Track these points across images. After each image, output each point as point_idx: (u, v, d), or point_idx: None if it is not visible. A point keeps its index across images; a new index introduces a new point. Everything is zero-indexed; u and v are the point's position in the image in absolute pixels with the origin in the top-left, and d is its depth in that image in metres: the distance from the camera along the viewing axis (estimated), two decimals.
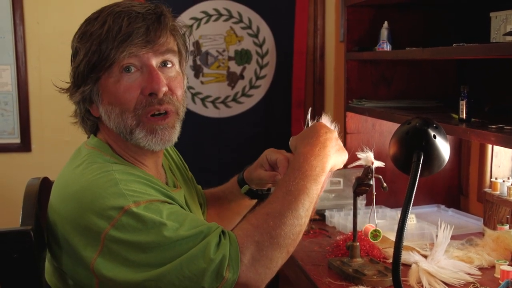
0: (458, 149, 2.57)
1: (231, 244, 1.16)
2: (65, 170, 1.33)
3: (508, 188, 2.07)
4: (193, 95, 3.53)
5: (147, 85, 1.26)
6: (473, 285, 1.66)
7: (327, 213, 2.34)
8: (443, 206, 2.49)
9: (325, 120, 1.44)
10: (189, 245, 1.15)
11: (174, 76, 1.31)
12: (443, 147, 1.26)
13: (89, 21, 1.30)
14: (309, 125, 1.43)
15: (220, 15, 3.49)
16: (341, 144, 1.36)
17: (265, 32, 3.54)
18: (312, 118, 1.47)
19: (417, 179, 1.21)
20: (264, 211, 1.22)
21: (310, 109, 1.49)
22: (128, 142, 1.31)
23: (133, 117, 1.27)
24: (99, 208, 1.16)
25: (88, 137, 1.39)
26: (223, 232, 1.19)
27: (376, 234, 1.69)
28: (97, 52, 1.24)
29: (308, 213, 1.24)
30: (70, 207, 1.21)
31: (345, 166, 1.54)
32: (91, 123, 1.36)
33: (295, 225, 1.21)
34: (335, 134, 1.35)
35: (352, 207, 1.78)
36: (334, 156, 1.32)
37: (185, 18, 3.44)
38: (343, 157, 1.35)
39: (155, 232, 1.14)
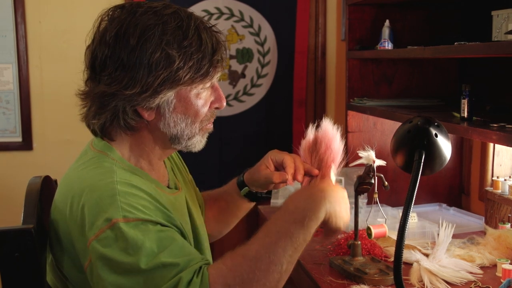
0: (459, 148, 2.56)
1: (202, 284, 1.13)
2: (71, 171, 1.33)
3: (510, 186, 2.07)
4: None
5: (216, 101, 1.34)
6: (474, 284, 1.66)
7: None
8: (444, 205, 2.49)
9: (327, 122, 1.43)
10: (162, 274, 1.12)
11: None
12: (445, 145, 1.26)
13: (181, 29, 1.25)
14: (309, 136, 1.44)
15: (222, 13, 3.49)
16: (348, 204, 1.30)
17: (267, 30, 3.54)
18: (313, 121, 1.47)
19: (419, 178, 1.21)
20: (240, 252, 1.18)
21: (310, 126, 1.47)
22: (165, 146, 1.34)
23: (198, 127, 1.33)
24: (92, 216, 1.17)
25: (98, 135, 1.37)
26: (200, 268, 1.16)
27: (369, 232, 1.72)
28: (194, 66, 1.25)
29: (291, 260, 1.17)
30: (73, 209, 1.21)
31: (346, 165, 1.54)
32: (129, 123, 1.29)
33: (272, 271, 1.14)
34: (344, 193, 1.30)
35: (353, 205, 1.78)
36: (333, 204, 1.24)
37: None
38: (344, 211, 1.27)
39: (133, 256, 1.13)
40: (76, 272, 1.25)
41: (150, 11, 1.25)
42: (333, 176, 1.39)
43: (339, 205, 1.26)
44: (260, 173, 1.50)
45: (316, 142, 1.43)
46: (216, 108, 1.36)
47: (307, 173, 1.42)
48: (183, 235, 1.27)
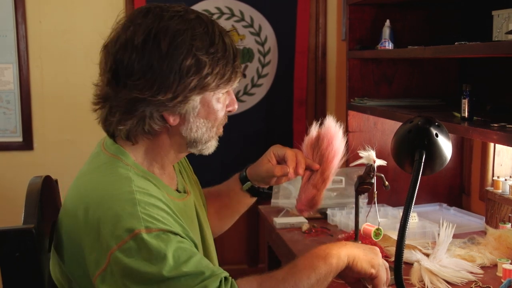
0: (460, 148, 2.56)
1: None
2: (83, 174, 1.31)
3: (510, 186, 2.07)
4: None
5: (229, 104, 1.36)
6: (475, 284, 1.66)
7: (329, 211, 2.34)
8: (445, 205, 2.49)
9: (330, 120, 1.45)
10: (187, 283, 1.14)
11: None
12: (445, 145, 1.26)
13: (207, 35, 1.25)
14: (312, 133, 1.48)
15: (222, 13, 3.49)
16: (380, 258, 1.36)
17: (267, 30, 3.54)
18: (316, 120, 1.49)
19: (419, 178, 1.21)
20: (269, 274, 1.25)
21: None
22: (181, 150, 1.35)
23: (215, 131, 1.35)
24: (112, 226, 1.16)
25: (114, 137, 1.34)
26: (225, 278, 1.19)
27: (378, 232, 1.69)
28: (220, 72, 1.26)
29: None
30: (88, 216, 1.20)
31: (347, 165, 1.54)
32: (152, 128, 1.27)
33: None
34: (370, 247, 1.37)
35: (354, 205, 1.77)
36: (353, 248, 1.32)
37: None
38: (369, 256, 1.33)
39: (157, 265, 1.13)
40: (83, 276, 1.24)
41: (176, 15, 1.24)
42: (333, 172, 1.44)
43: (361, 250, 1.33)
44: (262, 167, 1.52)
45: (318, 138, 1.48)
46: (229, 111, 1.37)
47: (308, 168, 1.47)
48: (196, 247, 1.28)
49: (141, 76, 1.21)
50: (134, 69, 1.21)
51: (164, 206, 1.22)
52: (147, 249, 1.14)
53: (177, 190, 1.41)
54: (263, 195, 1.61)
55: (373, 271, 1.31)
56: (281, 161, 1.50)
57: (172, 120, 1.27)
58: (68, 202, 1.29)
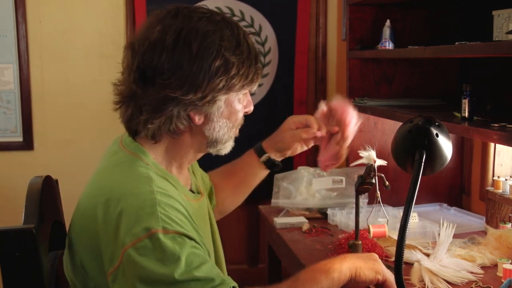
0: (460, 148, 2.56)
1: None
2: (102, 170, 1.32)
3: (511, 186, 2.07)
4: None
5: (247, 106, 1.40)
6: (475, 284, 1.66)
7: (329, 211, 2.34)
8: (445, 205, 2.49)
9: (339, 96, 1.57)
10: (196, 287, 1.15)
11: None
12: (446, 145, 1.25)
13: (234, 36, 1.28)
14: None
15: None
16: (381, 263, 1.36)
17: (267, 30, 3.54)
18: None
19: (420, 178, 1.21)
20: (272, 287, 1.27)
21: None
22: (200, 150, 1.37)
23: (234, 131, 1.39)
24: (130, 223, 1.16)
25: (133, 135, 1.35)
26: None
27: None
28: (244, 73, 1.29)
29: None
30: (108, 212, 1.20)
31: (347, 165, 1.55)
32: (178, 127, 1.29)
33: None
34: (370, 254, 1.38)
35: (354, 205, 1.78)
36: (354, 260, 1.33)
37: None
38: (371, 264, 1.34)
39: (169, 266, 1.14)
40: (99, 274, 1.24)
41: (204, 17, 1.27)
42: (352, 133, 1.54)
43: (361, 260, 1.34)
44: (285, 133, 1.62)
45: (331, 109, 1.58)
46: (245, 112, 1.40)
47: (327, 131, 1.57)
48: (209, 254, 1.29)
49: (171, 76, 1.23)
50: (164, 69, 1.23)
51: (182, 208, 1.23)
52: (161, 249, 1.14)
53: (191, 191, 1.42)
54: (278, 167, 1.67)
55: (379, 277, 1.32)
56: (302, 127, 1.59)
57: (198, 119, 1.29)
58: (85, 197, 1.30)
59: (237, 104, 1.34)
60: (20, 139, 3.37)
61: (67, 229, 1.38)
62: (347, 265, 1.30)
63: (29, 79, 3.33)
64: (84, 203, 1.29)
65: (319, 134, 1.56)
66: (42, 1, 3.32)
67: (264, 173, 1.68)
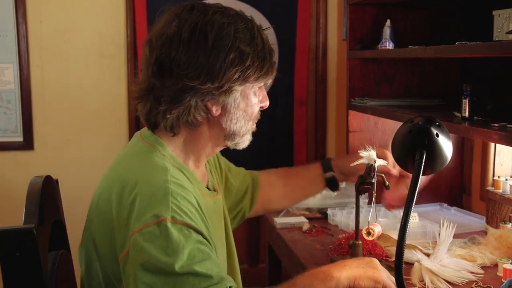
0: (460, 148, 2.56)
1: None
2: (119, 159, 1.36)
3: (511, 186, 2.07)
4: None
5: (263, 101, 1.44)
6: (475, 284, 1.66)
7: (329, 211, 2.34)
8: (445, 205, 2.48)
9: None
10: (194, 282, 1.16)
11: None
12: (446, 145, 1.25)
13: (248, 30, 1.34)
14: None
15: None
16: (381, 270, 1.36)
17: (267, 30, 3.53)
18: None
19: (420, 178, 1.21)
20: None
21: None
22: (218, 143, 1.38)
23: (251, 124, 1.41)
24: (142, 209, 1.19)
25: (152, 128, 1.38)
26: None
27: (369, 231, 1.71)
28: (259, 65, 1.33)
29: None
30: (123, 196, 1.23)
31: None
32: (196, 119, 1.32)
33: None
34: (371, 260, 1.39)
35: (354, 205, 1.77)
36: (356, 269, 1.33)
37: None
38: (370, 272, 1.34)
39: (171, 257, 1.15)
40: (111, 259, 1.27)
41: (218, 11, 1.32)
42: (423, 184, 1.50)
43: (361, 269, 1.34)
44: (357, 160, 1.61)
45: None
46: (261, 107, 1.43)
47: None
48: (216, 251, 1.30)
49: (188, 66, 1.26)
50: (181, 60, 1.26)
51: (194, 200, 1.25)
52: (167, 237, 1.16)
53: (207, 188, 1.44)
54: (336, 188, 1.71)
55: (378, 286, 1.32)
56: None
57: (215, 110, 1.31)
58: (103, 183, 1.33)
59: (253, 97, 1.37)
60: (21, 139, 3.37)
61: (67, 229, 1.38)
62: (346, 274, 1.30)
63: (29, 79, 3.33)
64: (101, 190, 1.32)
65: (394, 172, 1.60)
66: (42, 1, 3.32)
67: (321, 188, 1.72)
